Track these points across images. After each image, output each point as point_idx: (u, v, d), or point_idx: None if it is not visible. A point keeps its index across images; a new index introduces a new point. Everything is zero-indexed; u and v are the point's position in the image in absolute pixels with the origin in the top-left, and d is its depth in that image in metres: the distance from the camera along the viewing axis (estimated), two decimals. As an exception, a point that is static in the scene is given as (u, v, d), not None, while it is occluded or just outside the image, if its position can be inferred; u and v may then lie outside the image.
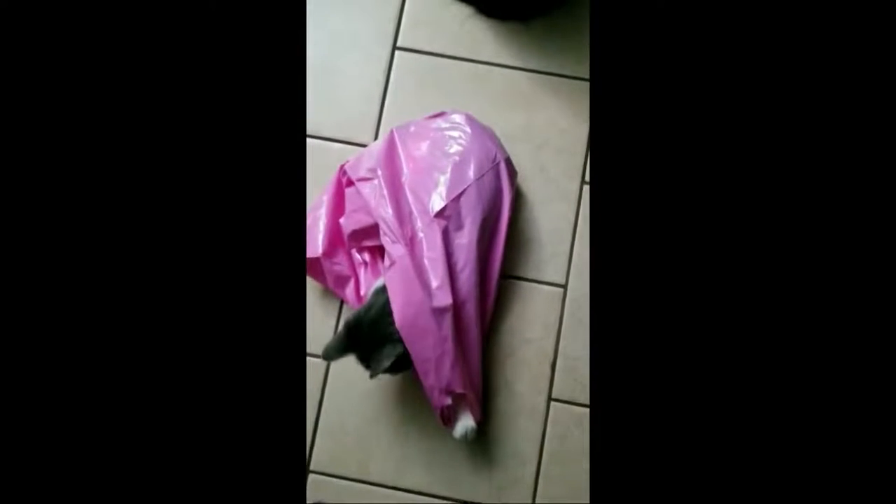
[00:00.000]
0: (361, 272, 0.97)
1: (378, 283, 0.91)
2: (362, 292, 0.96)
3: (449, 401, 0.88)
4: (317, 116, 1.04)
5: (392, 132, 0.97)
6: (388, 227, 0.89)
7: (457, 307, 0.88)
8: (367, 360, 0.88)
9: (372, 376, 0.87)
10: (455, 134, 0.96)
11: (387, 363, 0.86)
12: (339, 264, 0.97)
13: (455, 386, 0.87)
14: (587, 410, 0.97)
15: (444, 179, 0.92)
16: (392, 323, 0.85)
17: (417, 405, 0.98)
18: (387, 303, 0.86)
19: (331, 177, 0.99)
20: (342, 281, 0.97)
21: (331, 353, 0.88)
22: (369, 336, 0.87)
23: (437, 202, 0.90)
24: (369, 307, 0.88)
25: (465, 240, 0.90)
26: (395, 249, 0.87)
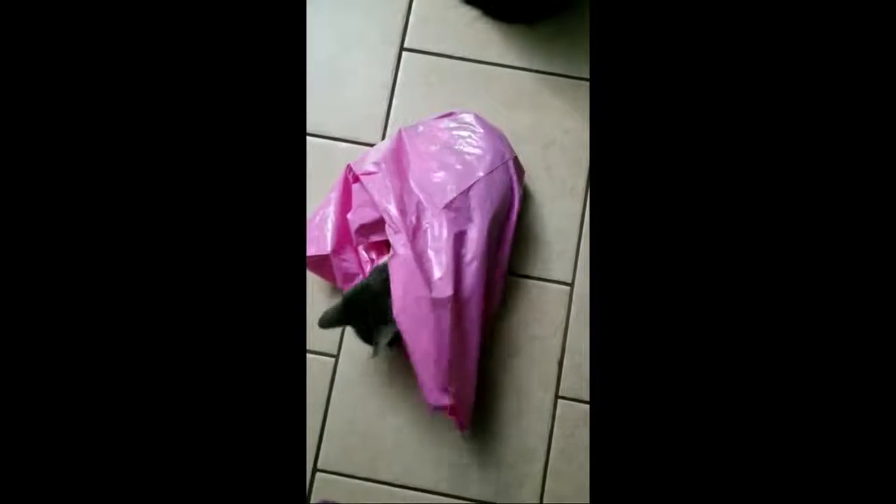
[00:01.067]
0: (368, 269, 0.97)
1: (380, 262, 0.92)
2: None
3: (447, 400, 0.86)
4: (324, 116, 1.05)
5: (400, 131, 0.98)
6: (391, 218, 0.89)
7: (461, 301, 0.87)
8: (365, 335, 0.89)
9: (373, 355, 0.88)
10: (464, 133, 0.97)
11: (384, 341, 0.87)
12: (348, 261, 0.97)
13: (450, 385, 0.86)
14: (594, 408, 0.97)
15: (453, 173, 0.92)
16: (390, 303, 0.86)
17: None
18: (386, 280, 0.87)
19: (339, 176, 1.00)
20: (351, 278, 0.97)
21: (325, 322, 0.89)
22: (369, 312, 0.88)
23: (446, 194, 0.90)
24: (367, 284, 0.89)
25: (475, 233, 0.90)
26: (397, 240, 0.88)
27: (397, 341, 0.89)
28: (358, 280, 0.96)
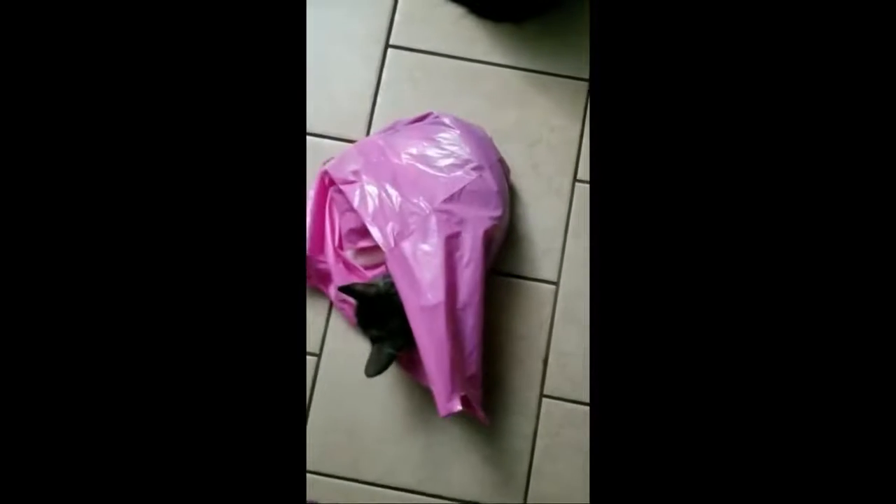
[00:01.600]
0: (341, 271, 0.96)
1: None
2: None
3: (459, 407, 0.83)
4: (308, 113, 1.04)
5: (377, 138, 0.97)
6: (372, 228, 0.87)
7: (459, 305, 0.84)
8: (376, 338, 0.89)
9: (367, 374, 0.87)
10: (446, 135, 0.94)
11: (375, 367, 0.87)
12: (324, 262, 0.97)
13: (465, 390, 0.84)
14: (579, 407, 0.97)
15: (439, 177, 0.90)
16: (388, 318, 0.85)
17: (408, 402, 0.97)
18: (386, 293, 0.86)
19: (315, 176, 0.99)
20: (326, 278, 0.96)
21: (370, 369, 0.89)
22: (384, 321, 0.87)
23: (435, 198, 0.88)
24: (372, 286, 0.88)
25: (469, 236, 0.86)
26: (385, 249, 0.86)
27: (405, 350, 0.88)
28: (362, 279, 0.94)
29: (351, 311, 0.93)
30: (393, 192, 0.88)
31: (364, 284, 0.89)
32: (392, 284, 0.85)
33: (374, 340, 0.89)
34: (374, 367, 0.88)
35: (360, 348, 0.98)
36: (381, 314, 0.88)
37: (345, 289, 0.88)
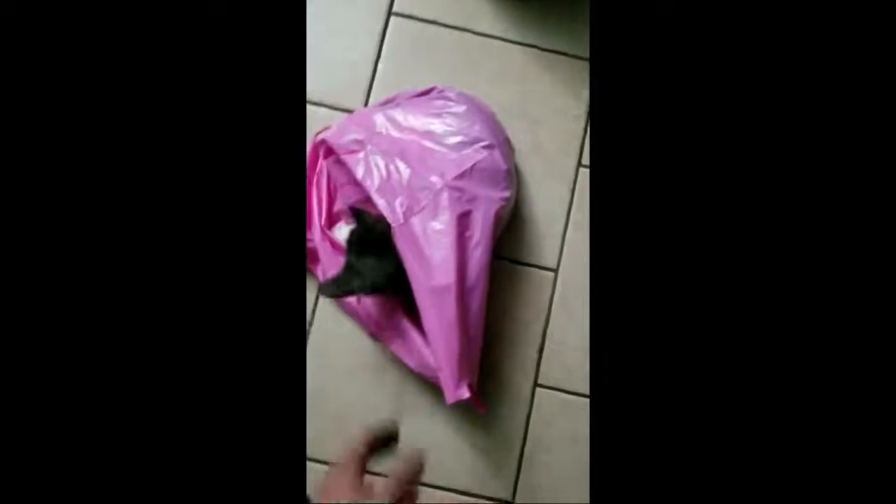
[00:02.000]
0: (327, 249, 0.91)
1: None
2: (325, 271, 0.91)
3: (467, 394, 0.80)
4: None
5: (375, 108, 0.92)
6: (379, 201, 0.82)
7: (466, 288, 0.80)
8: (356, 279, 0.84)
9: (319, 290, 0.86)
10: (451, 111, 0.90)
11: (331, 289, 0.84)
12: (310, 240, 0.92)
13: (470, 377, 0.81)
14: (572, 397, 0.95)
15: (448, 153, 0.85)
16: (373, 254, 0.82)
17: (397, 387, 0.94)
18: (382, 228, 0.82)
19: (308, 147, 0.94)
20: (313, 257, 0.92)
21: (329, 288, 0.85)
22: (364, 251, 0.83)
23: (446, 174, 0.83)
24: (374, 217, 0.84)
25: (479, 215, 0.82)
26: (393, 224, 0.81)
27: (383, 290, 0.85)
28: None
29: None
30: (401, 164, 0.83)
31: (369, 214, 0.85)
32: (389, 229, 0.81)
33: (347, 268, 0.85)
34: (330, 290, 0.85)
35: (348, 330, 0.94)
36: (371, 247, 0.83)
37: (354, 210, 0.84)
